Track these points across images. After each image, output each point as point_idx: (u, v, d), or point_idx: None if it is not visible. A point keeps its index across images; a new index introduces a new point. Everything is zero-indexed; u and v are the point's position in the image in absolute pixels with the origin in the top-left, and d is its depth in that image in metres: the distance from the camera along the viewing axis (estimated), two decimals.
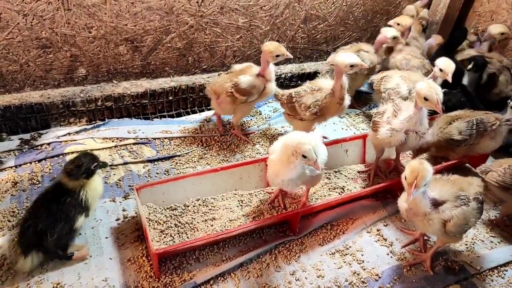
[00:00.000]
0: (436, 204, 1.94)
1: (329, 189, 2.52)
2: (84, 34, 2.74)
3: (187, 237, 2.09)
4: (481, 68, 3.12)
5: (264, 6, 3.18)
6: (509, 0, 3.39)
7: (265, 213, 2.31)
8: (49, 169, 2.48)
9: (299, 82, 3.57)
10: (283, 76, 3.47)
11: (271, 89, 2.76)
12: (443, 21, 3.66)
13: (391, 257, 2.20)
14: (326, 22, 3.54)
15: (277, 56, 2.59)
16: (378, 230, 2.35)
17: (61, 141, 2.68)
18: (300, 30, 3.47)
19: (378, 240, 2.30)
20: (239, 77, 2.67)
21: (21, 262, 1.85)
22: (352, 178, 2.65)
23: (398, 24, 3.23)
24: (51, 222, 1.85)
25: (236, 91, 2.64)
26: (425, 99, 2.18)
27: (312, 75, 3.59)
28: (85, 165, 1.96)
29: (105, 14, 2.72)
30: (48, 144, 2.66)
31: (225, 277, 2.02)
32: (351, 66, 2.47)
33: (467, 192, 2.00)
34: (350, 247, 2.24)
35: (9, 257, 1.95)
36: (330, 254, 2.19)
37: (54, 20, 2.61)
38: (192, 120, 3.09)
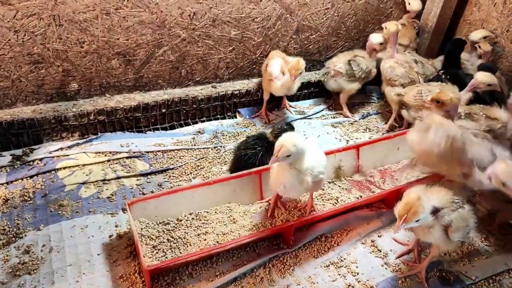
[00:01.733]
0: (435, 211, 1.93)
1: (323, 200, 2.52)
2: (76, 49, 2.75)
3: (180, 252, 2.08)
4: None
5: (256, 18, 3.19)
6: (499, 8, 3.42)
7: (260, 225, 2.29)
8: (41, 185, 2.47)
9: None
10: None
11: None
12: (434, 30, 3.68)
13: (386, 268, 2.19)
14: (319, 33, 3.56)
15: None
16: (372, 241, 2.34)
17: (53, 156, 2.67)
18: (292, 41, 3.49)
19: (373, 251, 2.28)
20: None
21: None
22: (346, 189, 2.64)
23: (386, 28, 3.30)
24: None
25: None
26: (503, 184, 1.97)
27: (305, 85, 3.60)
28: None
29: (97, 29, 2.72)
30: (40, 159, 2.65)
31: None
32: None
33: (460, 196, 2.00)
34: (344, 259, 2.23)
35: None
36: (324, 267, 2.18)
37: (46, 36, 2.61)
38: (186, 133, 3.08)
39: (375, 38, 3.34)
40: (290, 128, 2.65)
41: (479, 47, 3.31)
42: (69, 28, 2.65)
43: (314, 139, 3.10)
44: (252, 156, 2.55)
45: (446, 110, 2.54)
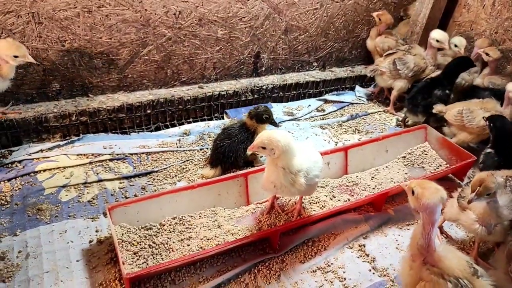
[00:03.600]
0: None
1: (310, 203, 2.47)
2: (57, 48, 2.66)
3: (162, 259, 2.01)
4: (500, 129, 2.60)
5: (244, 17, 3.14)
6: (488, 10, 3.42)
7: (246, 229, 2.24)
8: (19, 189, 2.38)
9: (281, 93, 3.53)
10: (264, 87, 3.42)
11: None
12: (424, 31, 3.66)
13: (374, 273, 2.15)
14: (307, 33, 3.52)
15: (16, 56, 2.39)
16: (360, 246, 2.29)
17: (32, 159, 2.58)
18: (281, 41, 3.44)
19: (361, 256, 2.24)
20: None
21: None
22: (333, 192, 2.60)
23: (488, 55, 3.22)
24: None
25: None
26: None
27: (294, 86, 3.56)
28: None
29: (79, 27, 2.65)
30: (19, 162, 2.56)
31: None
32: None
33: None
34: (331, 264, 2.18)
35: None
36: (311, 272, 2.13)
37: (25, 34, 2.53)
38: (171, 134, 3.01)
39: (433, 33, 3.31)
40: (266, 110, 2.64)
41: (487, 54, 3.18)
42: (50, 26, 2.57)
43: (310, 142, 3.07)
44: (229, 146, 2.58)
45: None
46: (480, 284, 1.58)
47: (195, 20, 2.96)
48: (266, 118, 2.64)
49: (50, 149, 2.68)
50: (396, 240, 2.35)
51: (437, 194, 1.60)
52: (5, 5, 2.40)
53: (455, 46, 3.37)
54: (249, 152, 2.63)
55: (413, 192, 1.66)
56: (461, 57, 3.23)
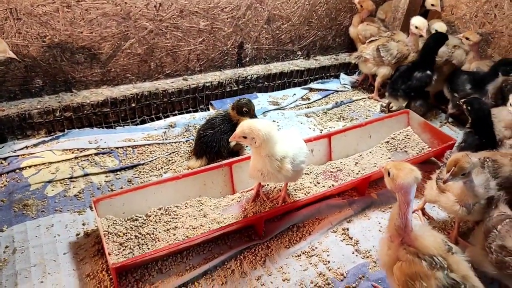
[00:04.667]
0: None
1: (294, 190, 2.51)
2: (38, 44, 2.66)
3: (148, 249, 2.04)
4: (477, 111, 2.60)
5: (225, 8, 3.14)
6: None
7: (231, 218, 2.27)
8: (5, 185, 2.39)
9: (265, 83, 3.55)
10: (249, 77, 3.44)
11: None
12: (405, 17, 3.69)
13: (357, 255, 2.20)
14: (290, 22, 3.53)
15: None
16: (344, 229, 2.34)
17: (18, 155, 2.59)
18: (264, 31, 3.45)
19: (344, 239, 2.29)
20: None
21: None
22: (318, 178, 2.64)
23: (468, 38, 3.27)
24: None
25: None
26: None
27: (279, 76, 3.58)
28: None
29: (58, 22, 2.64)
30: (4, 159, 2.56)
31: (188, 287, 1.97)
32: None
33: None
34: (316, 248, 2.23)
35: None
36: (296, 257, 2.18)
37: (4, 30, 2.52)
38: (157, 127, 3.03)
39: (412, 20, 3.34)
40: (247, 103, 2.67)
41: (467, 38, 3.21)
42: (29, 22, 2.56)
43: (295, 129, 3.11)
44: (212, 135, 2.61)
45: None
46: (454, 260, 1.63)
47: (176, 12, 2.96)
48: (245, 112, 2.64)
49: (35, 145, 2.69)
50: (379, 223, 2.40)
51: (411, 174, 1.64)
52: None
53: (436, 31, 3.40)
54: (232, 143, 2.66)
55: (389, 174, 1.70)
56: (436, 33, 3.23)
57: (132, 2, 2.77)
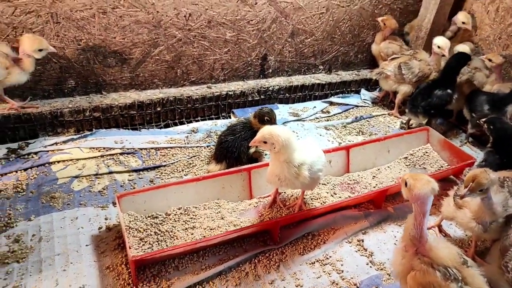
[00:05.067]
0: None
1: (311, 199, 2.54)
2: (73, 47, 2.81)
3: (166, 245, 2.10)
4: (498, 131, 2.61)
5: (251, 20, 3.25)
6: (492, 15, 3.47)
7: (248, 222, 2.32)
8: (34, 178, 2.51)
9: (287, 95, 3.63)
10: (271, 88, 3.52)
11: None
12: (428, 36, 3.73)
13: (371, 267, 2.21)
14: (313, 37, 3.61)
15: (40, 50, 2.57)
16: (359, 241, 2.36)
17: (47, 151, 2.72)
18: (287, 44, 3.55)
19: (359, 250, 2.30)
20: None
21: None
22: (335, 189, 2.67)
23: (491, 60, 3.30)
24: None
25: None
26: None
27: (300, 88, 3.65)
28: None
29: (94, 27, 2.79)
30: (35, 153, 2.69)
31: (203, 286, 2.02)
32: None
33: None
34: (330, 256, 2.25)
35: None
36: (309, 264, 2.20)
37: (44, 33, 2.68)
38: (180, 131, 3.13)
39: (435, 39, 3.38)
40: (269, 112, 2.71)
41: (490, 60, 3.21)
42: (67, 26, 2.71)
43: (312, 138, 3.16)
44: (233, 141, 2.66)
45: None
46: (469, 273, 1.63)
47: (205, 22, 3.09)
48: (267, 120, 2.69)
49: (64, 142, 2.82)
50: (395, 237, 2.41)
51: (429, 185, 1.67)
52: (27, 5, 2.55)
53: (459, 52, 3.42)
54: (252, 150, 2.73)
55: (406, 184, 1.73)
56: (459, 52, 3.24)
57: (163, 11, 2.91)
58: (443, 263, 1.64)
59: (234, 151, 2.67)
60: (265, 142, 2.08)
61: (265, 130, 2.08)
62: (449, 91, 3.20)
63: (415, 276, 1.65)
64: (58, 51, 2.73)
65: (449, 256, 1.67)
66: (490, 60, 3.22)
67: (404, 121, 3.54)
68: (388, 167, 2.93)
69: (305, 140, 2.74)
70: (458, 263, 1.66)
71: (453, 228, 2.55)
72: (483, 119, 2.70)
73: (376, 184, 2.73)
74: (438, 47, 3.32)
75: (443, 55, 3.33)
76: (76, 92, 3.00)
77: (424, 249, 1.70)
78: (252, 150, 2.74)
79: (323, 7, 3.46)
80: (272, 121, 2.72)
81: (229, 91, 3.36)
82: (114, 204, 2.42)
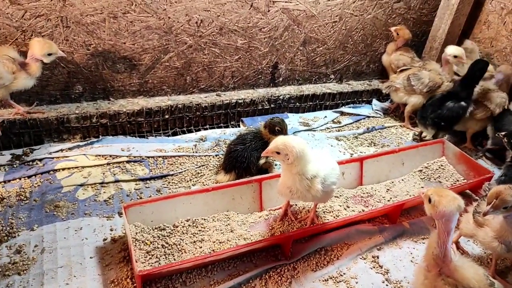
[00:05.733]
0: None
1: (323, 212, 2.45)
2: (82, 51, 2.76)
3: (174, 259, 2.02)
4: None
5: (263, 28, 3.20)
6: (509, 27, 3.40)
7: (258, 235, 2.23)
8: (38, 185, 2.44)
9: (297, 104, 3.56)
10: (281, 97, 3.45)
11: None
12: (443, 47, 3.65)
13: (387, 285, 2.11)
14: (325, 45, 3.55)
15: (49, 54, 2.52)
16: (373, 257, 2.26)
17: (53, 157, 2.65)
18: (299, 53, 3.48)
19: (374, 267, 2.20)
20: None
21: None
22: (348, 202, 2.58)
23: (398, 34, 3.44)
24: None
25: None
26: None
27: (311, 97, 3.58)
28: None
29: (104, 32, 2.74)
30: (40, 160, 2.62)
31: None
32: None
33: None
34: (344, 273, 2.15)
35: None
36: (323, 281, 2.10)
37: (53, 37, 2.63)
38: (188, 139, 3.05)
39: (449, 49, 3.28)
40: (280, 123, 2.65)
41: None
42: (76, 30, 2.66)
43: (327, 150, 3.08)
44: (242, 151, 2.59)
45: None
46: None
47: (216, 29, 3.03)
48: (278, 131, 2.61)
49: (70, 149, 2.75)
50: (411, 253, 2.31)
51: (455, 202, 1.58)
52: (37, 9, 2.50)
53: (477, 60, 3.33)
54: (262, 161, 2.65)
55: (430, 200, 1.64)
56: (478, 60, 3.12)
57: (175, 17, 2.85)
58: (469, 284, 1.55)
59: (244, 161, 2.59)
60: (278, 153, 2.00)
61: (279, 141, 2.00)
62: (463, 103, 3.09)
63: None
64: (66, 56, 2.67)
65: (475, 277, 1.57)
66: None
67: (417, 133, 3.45)
68: (402, 180, 2.84)
69: (319, 150, 2.67)
70: (484, 285, 1.56)
71: (470, 245, 2.45)
72: (503, 133, 2.61)
73: (390, 198, 2.64)
74: (455, 56, 3.24)
75: (463, 63, 3.25)
76: (83, 98, 2.94)
77: (449, 270, 1.60)
78: (262, 161, 2.66)
79: (336, 16, 3.40)
80: (283, 131, 2.64)
81: (239, 99, 3.29)
82: (120, 214, 2.33)
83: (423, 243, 2.39)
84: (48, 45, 2.49)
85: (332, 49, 3.60)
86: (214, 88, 3.32)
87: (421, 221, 2.52)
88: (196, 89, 3.26)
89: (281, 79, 3.54)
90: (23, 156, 2.65)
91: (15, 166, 2.56)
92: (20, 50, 2.56)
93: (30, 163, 2.60)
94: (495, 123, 3.11)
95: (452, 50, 3.27)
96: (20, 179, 2.47)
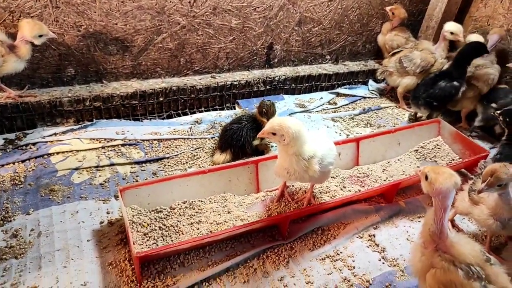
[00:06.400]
0: None
1: (320, 192, 2.46)
2: (73, 33, 2.69)
3: (171, 241, 2.02)
4: None
5: (258, 7, 3.14)
6: (506, 5, 3.36)
7: (255, 216, 2.24)
8: (33, 170, 2.41)
9: (293, 85, 3.53)
10: (276, 79, 3.42)
11: None
12: (439, 26, 3.62)
13: (383, 263, 2.13)
14: (321, 25, 3.50)
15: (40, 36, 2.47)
16: (370, 236, 2.27)
17: (46, 141, 2.61)
18: (294, 33, 3.43)
19: (370, 245, 2.22)
20: None
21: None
22: (344, 182, 2.58)
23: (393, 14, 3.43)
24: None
25: None
26: None
27: (307, 78, 3.55)
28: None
29: (95, 12, 2.67)
30: (33, 144, 2.59)
31: (210, 282, 1.94)
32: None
33: None
34: (341, 252, 2.17)
35: None
36: (320, 260, 2.12)
37: (42, 18, 2.56)
38: (183, 122, 3.03)
39: (447, 25, 3.26)
40: (271, 105, 2.63)
41: None
42: (66, 11, 2.59)
43: (324, 131, 3.07)
44: (238, 130, 2.58)
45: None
46: (493, 271, 1.55)
47: (210, 9, 2.97)
48: (264, 112, 2.61)
49: (63, 132, 2.72)
50: (407, 232, 2.33)
51: (451, 179, 1.58)
52: None
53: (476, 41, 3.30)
54: (255, 142, 2.64)
55: (426, 178, 1.64)
56: (475, 42, 3.09)
57: None
58: (465, 260, 1.56)
59: (239, 139, 2.58)
60: (274, 134, 1.98)
61: (275, 121, 1.98)
62: (455, 83, 3.06)
63: (435, 274, 1.57)
64: (57, 38, 2.61)
65: (471, 252, 1.58)
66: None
67: (412, 114, 3.45)
68: (398, 160, 2.85)
69: (315, 131, 2.65)
70: (481, 261, 1.57)
71: (465, 222, 2.47)
72: (498, 111, 2.61)
73: (387, 178, 2.65)
74: (452, 33, 3.21)
75: (459, 40, 3.22)
76: (76, 80, 2.89)
77: (445, 246, 1.61)
78: (256, 141, 2.65)
79: None
80: (268, 114, 2.60)
81: (234, 81, 3.26)
82: (116, 197, 2.33)
83: (419, 221, 2.41)
84: (38, 26, 2.43)
85: (328, 29, 3.55)
86: (209, 70, 3.27)
87: (417, 200, 2.54)
88: (190, 71, 3.21)
89: (276, 60, 3.50)
90: (16, 141, 2.61)
91: (8, 150, 2.53)
92: (9, 32, 2.50)
93: (24, 147, 2.57)
94: (486, 96, 3.10)
95: (449, 26, 3.24)
96: (13, 163, 2.44)
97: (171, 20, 2.90)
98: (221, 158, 2.57)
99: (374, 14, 3.68)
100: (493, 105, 2.58)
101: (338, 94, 3.65)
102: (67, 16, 2.61)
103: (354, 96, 3.65)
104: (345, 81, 3.76)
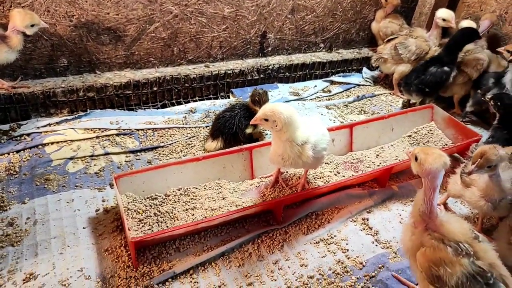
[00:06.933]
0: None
1: (314, 178, 2.48)
2: (65, 23, 2.69)
3: (167, 226, 2.04)
4: (506, 106, 2.53)
5: None
6: None
7: (250, 202, 2.26)
8: (27, 160, 2.42)
9: (287, 74, 3.53)
10: (270, 67, 3.42)
11: None
12: (432, 13, 3.62)
13: (376, 245, 2.16)
14: (314, 13, 3.50)
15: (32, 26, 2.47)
16: (363, 219, 2.30)
17: (41, 132, 2.62)
18: (287, 21, 3.43)
19: (364, 229, 2.25)
20: None
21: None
22: (338, 168, 2.60)
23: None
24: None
25: None
26: None
27: (301, 67, 3.55)
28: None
29: (86, 2, 2.66)
30: (28, 135, 2.60)
31: (205, 267, 1.96)
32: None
33: None
34: (334, 236, 2.19)
35: None
36: (314, 243, 2.15)
37: (33, 8, 2.55)
38: (177, 111, 3.03)
39: (439, 12, 3.26)
40: (263, 94, 2.66)
41: (509, 52, 2.91)
42: (58, 1, 2.59)
43: (317, 117, 3.08)
44: (230, 118, 2.60)
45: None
46: (481, 247, 1.58)
47: None
48: (256, 101, 2.64)
49: (58, 123, 2.72)
50: (400, 215, 2.35)
51: (440, 159, 1.60)
52: None
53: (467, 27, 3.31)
54: (248, 130, 2.65)
55: (416, 158, 1.66)
56: (467, 27, 3.10)
57: None
58: (454, 238, 1.58)
59: (232, 127, 2.59)
60: (266, 120, 1.99)
61: (267, 108, 2.00)
62: (446, 68, 3.08)
63: (425, 253, 1.60)
64: (49, 28, 2.60)
65: (460, 230, 1.61)
66: (509, 51, 2.93)
67: (406, 100, 3.46)
68: (392, 145, 2.87)
69: (309, 117, 2.66)
70: (469, 238, 1.60)
71: (458, 205, 2.50)
72: (489, 96, 2.62)
73: (380, 163, 2.67)
74: (444, 19, 3.22)
75: (450, 27, 3.23)
76: (69, 71, 2.89)
77: (435, 225, 1.64)
78: (249, 130, 2.66)
79: None
80: (261, 102, 2.62)
81: (228, 70, 3.26)
82: (111, 185, 2.34)
83: (411, 204, 2.43)
84: (30, 15, 2.42)
85: (321, 17, 3.55)
86: (202, 59, 3.27)
87: (409, 184, 2.57)
88: (184, 60, 3.21)
89: (270, 48, 3.50)
90: (10, 132, 2.62)
91: (2, 141, 2.54)
92: (0, 23, 2.49)
93: (18, 138, 2.58)
94: (475, 82, 3.13)
95: (441, 13, 3.25)
96: (8, 154, 2.45)
97: (163, 9, 2.89)
98: (212, 145, 2.58)
99: (367, 1, 3.68)
100: (479, 91, 2.59)
101: (332, 82, 3.66)
102: (58, 6, 2.60)
103: (348, 83, 3.66)
104: (339, 69, 3.77)
